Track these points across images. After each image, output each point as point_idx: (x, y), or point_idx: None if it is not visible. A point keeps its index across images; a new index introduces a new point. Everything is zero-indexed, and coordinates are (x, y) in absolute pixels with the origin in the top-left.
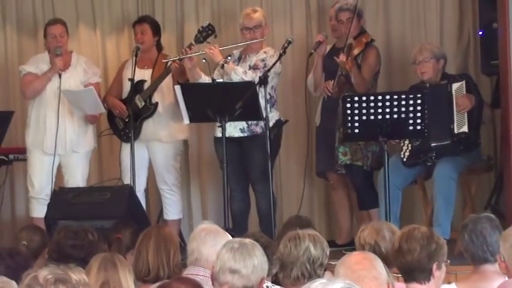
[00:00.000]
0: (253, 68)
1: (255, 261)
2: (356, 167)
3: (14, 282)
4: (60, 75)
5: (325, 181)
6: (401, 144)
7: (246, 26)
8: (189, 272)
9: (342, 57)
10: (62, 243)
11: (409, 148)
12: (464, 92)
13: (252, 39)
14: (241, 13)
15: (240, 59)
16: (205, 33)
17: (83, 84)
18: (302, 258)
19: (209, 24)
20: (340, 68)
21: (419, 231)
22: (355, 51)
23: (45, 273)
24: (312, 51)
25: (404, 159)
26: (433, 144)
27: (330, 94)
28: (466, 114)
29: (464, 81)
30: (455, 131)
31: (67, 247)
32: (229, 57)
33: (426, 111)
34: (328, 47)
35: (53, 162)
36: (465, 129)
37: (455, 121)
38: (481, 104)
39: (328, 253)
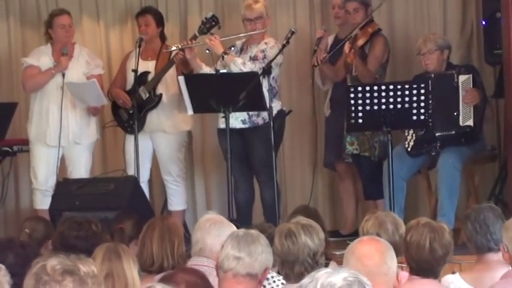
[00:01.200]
0: (253, 59)
1: (259, 249)
2: (364, 157)
3: (2, 266)
4: (63, 74)
5: (329, 171)
6: (406, 133)
7: (247, 18)
8: (193, 263)
9: (346, 48)
10: (66, 234)
11: (414, 138)
12: (471, 86)
13: (253, 31)
14: (243, 4)
15: (242, 50)
16: (209, 25)
17: (85, 76)
18: (302, 256)
19: (213, 15)
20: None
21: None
22: (360, 42)
23: (54, 263)
24: (315, 47)
25: (409, 149)
26: (437, 134)
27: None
28: (472, 108)
29: (471, 75)
30: (461, 123)
31: (71, 238)
32: (232, 48)
33: (430, 101)
34: (331, 38)
35: (58, 154)
36: (470, 122)
37: (461, 113)
38: (486, 100)
39: (323, 237)
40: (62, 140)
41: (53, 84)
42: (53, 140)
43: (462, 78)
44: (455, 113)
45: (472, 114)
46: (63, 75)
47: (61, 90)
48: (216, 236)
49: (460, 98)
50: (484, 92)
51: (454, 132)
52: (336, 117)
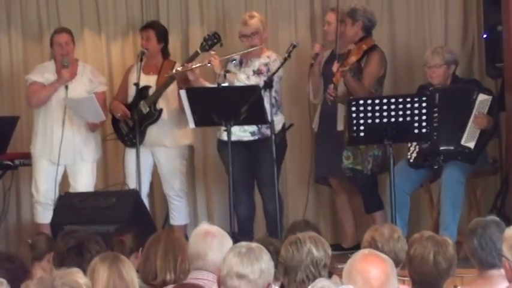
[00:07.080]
0: (257, 73)
1: (262, 266)
2: (357, 171)
3: (4, 281)
4: (66, 87)
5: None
6: (409, 145)
7: (244, 34)
8: (194, 276)
9: (334, 68)
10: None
11: (416, 150)
12: (487, 108)
13: (251, 46)
14: (240, 19)
15: (241, 64)
16: (211, 42)
17: (88, 94)
18: (305, 261)
19: (215, 32)
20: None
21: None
22: (353, 59)
23: (54, 275)
24: (312, 61)
25: (411, 160)
26: (441, 148)
27: (332, 99)
28: (479, 131)
29: (491, 98)
30: (462, 142)
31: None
32: (233, 61)
33: (436, 114)
34: (328, 53)
35: (59, 170)
36: (471, 145)
37: (466, 131)
38: (495, 128)
39: (330, 253)
40: (66, 157)
41: (56, 101)
42: (57, 157)
43: (482, 97)
44: (460, 129)
45: (476, 136)
46: (66, 93)
47: (63, 107)
48: (217, 250)
49: (472, 117)
50: (498, 118)
51: (452, 148)
52: (325, 131)
